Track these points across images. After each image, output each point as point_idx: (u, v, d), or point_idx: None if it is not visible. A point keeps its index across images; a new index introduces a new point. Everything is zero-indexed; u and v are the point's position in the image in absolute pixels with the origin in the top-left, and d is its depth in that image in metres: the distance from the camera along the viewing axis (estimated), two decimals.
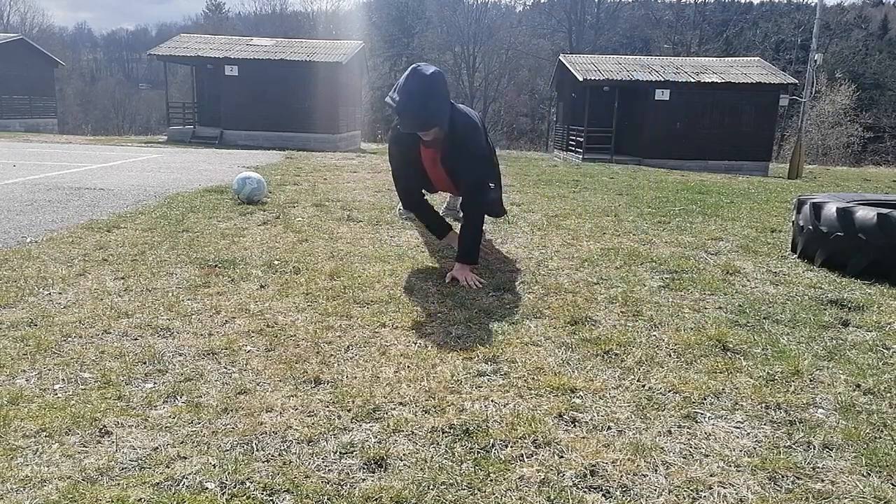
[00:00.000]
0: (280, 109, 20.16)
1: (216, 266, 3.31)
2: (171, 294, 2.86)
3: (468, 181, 3.34)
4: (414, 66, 3.13)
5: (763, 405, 1.96)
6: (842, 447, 1.73)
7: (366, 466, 1.59)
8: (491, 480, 1.55)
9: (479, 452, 1.66)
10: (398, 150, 3.47)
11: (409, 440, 1.72)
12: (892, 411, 1.94)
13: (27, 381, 2.00)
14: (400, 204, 4.98)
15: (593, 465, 1.61)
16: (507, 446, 1.70)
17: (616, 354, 2.32)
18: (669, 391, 2.04)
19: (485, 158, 3.40)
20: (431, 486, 1.51)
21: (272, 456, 1.63)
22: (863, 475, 1.60)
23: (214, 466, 1.57)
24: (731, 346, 2.41)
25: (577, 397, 1.98)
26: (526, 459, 1.64)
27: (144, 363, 2.14)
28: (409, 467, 1.59)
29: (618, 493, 1.52)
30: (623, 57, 24.79)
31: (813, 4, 38.61)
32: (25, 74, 26.77)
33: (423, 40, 45.54)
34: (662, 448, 1.71)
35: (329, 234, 4.20)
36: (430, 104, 3.07)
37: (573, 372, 2.17)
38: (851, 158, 34.34)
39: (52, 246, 3.65)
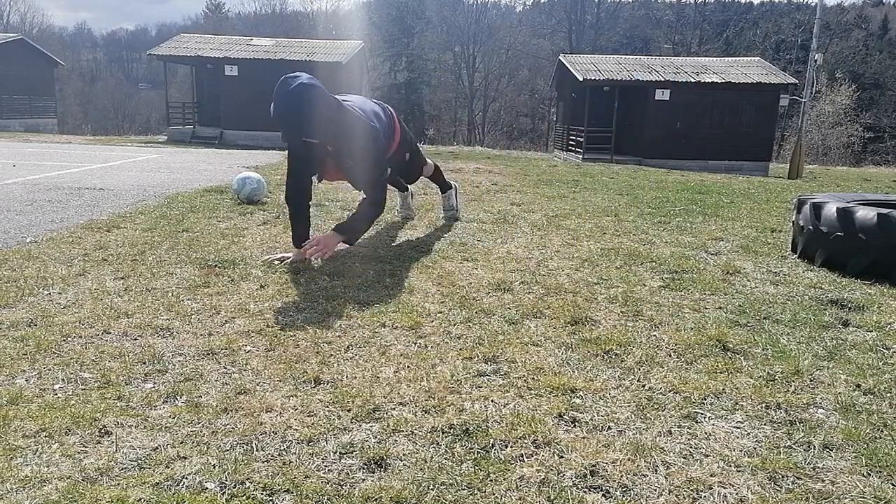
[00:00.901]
0: None
1: (216, 266, 3.30)
2: (171, 294, 2.86)
3: (364, 185, 3.58)
4: (282, 77, 3.02)
5: (763, 405, 1.96)
6: (842, 447, 1.73)
7: (366, 466, 1.59)
8: (491, 480, 1.55)
9: (479, 452, 1.66)
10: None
11: (409, 440, 1.72)
12: (893, 411, 1.94)
13: (27, 381, 1.99)
14: (400, 204, 5.00)
15: (593, 465, 1.61)
16: (507, 446, 1.69)
17: (616, 354, 2.32)
18: (669, 391, 2.04)
19: (377, 163, 3.51)
20: (431, 486, 1.51)
21: (272, 456, 1.63)
22: (863, 475, 1.60)
23: (214, 466, 1.57)
24: (731, 346, 2.41)
25: (577, 397, 1.98)
26: (526, 459, 1.64)
27: (144, 363, 2.14)
28: (408, 467, 1.59)
29: (618, 493, 1.52)
30: (623, 57, 24.80)
31: (813, 4, 38.68)
32: (25, 74, 26.78)
33: (422, 40, 45.47)
34: (662, 448, 1.70)
35: None
36: (297, 118, 3.03)
37: (573, 372, 2.17)
38: (851, 158, 34.35)
39: (52, 246, 3.65)
